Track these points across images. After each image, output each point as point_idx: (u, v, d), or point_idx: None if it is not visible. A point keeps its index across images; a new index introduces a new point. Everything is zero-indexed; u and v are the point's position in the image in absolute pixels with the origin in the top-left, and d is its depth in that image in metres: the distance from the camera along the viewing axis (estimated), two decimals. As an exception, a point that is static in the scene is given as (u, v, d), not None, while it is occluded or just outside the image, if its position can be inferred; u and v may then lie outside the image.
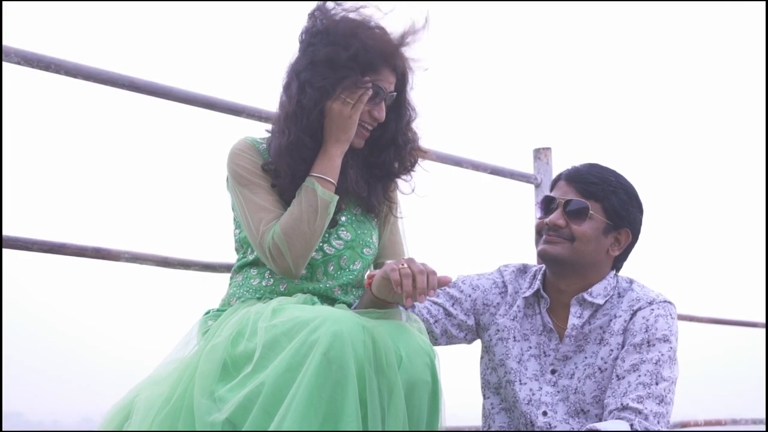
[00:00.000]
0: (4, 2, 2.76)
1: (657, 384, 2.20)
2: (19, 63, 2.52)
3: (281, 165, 2.20)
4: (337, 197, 2.18)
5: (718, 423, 4.45)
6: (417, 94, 2.33)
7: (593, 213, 2.30)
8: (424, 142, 2.35)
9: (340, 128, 2.19)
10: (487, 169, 3.71)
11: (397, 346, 1.94)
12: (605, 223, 2.31)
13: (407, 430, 1.93)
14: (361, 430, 1.83)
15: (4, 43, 2.49)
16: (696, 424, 4.34)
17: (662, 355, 2.23)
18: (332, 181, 2.18)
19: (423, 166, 2.39)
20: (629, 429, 2.13)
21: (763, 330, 5.06)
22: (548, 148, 3.97)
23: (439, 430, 2.03)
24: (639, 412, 2.16)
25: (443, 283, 1.99)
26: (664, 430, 2.20)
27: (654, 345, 2.24)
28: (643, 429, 2.15)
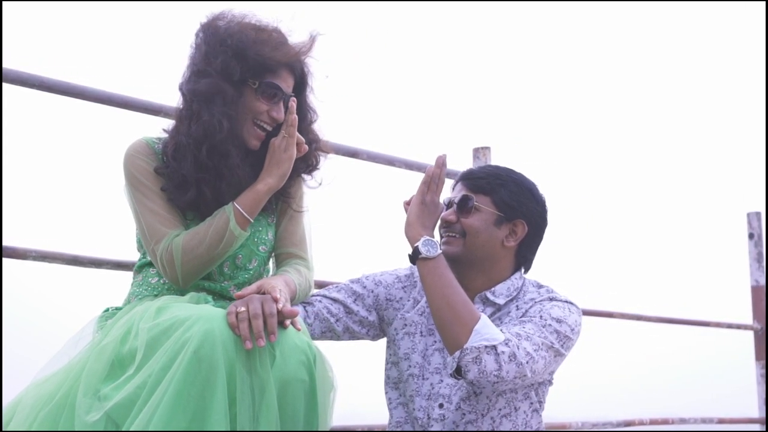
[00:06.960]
0: None
1: (537, 336, 2.18)
2: None
3: (171, 167, 2.21)
4: (246, 235, 2.20)
5: (665, 422, 4.44)
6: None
7: (479, 205, 2.37)
8: (350, 141, 2.33)
9: (274, 162, 2.23)
10: (421, 168, 3.62)
11: (272, 345, 1.94)
12: (495, 215, 2.37)
13: (279, 428, 1.93)
14: (229, 427, 1.83)
15: None
16: (641, 423, 4.33)
17: (551, 325, 2.23)
18: (250, 219, 2.20)
19: (326, 164, 2.41)
20: (501, 340, 2.11)
21: (707, 329, 5.02)
22: (487, 148, 3.95)
23: (323, 428, 2.02)
24: (509, 340, 2.13)
25: (290, 315, 1.99)
26: (528, 372, 2.13)
27: (547, 320, 2.24)
28: (512, 349, 2.11)
